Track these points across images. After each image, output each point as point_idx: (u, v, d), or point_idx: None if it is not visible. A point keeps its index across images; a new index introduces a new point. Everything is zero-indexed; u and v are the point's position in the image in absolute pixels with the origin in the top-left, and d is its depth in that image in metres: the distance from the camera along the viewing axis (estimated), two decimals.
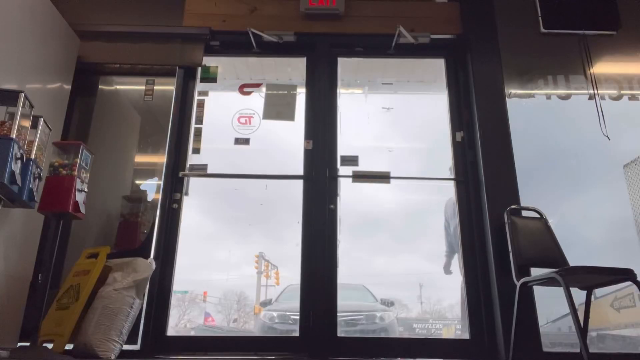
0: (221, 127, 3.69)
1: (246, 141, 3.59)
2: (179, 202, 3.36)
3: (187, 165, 3.46)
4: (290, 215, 3.36)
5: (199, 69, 3.68)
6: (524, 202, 3.10)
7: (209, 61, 3.76)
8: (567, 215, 3.34)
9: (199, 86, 3.71)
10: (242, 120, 3.64)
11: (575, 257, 2.79)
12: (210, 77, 3.75)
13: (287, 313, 4.43)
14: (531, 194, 3.13)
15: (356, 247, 3.54)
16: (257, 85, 3.78)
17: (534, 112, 3.60)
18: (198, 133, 3.56)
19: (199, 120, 3.60)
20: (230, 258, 3.60)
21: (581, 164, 3.49)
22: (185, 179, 3.43)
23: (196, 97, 3.66)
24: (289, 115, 3.62)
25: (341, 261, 3.19)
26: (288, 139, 3.62)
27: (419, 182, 3.52)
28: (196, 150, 3.53)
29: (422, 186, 3.58)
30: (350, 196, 3.43)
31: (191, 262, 3.58)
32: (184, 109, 3.57)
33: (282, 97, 3.71)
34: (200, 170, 3.50)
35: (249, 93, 3.77)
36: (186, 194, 3.49)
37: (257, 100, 3.73)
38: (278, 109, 3.66)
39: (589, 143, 3.48)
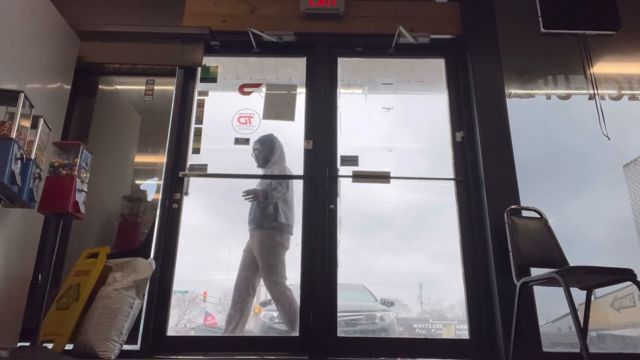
0: (221, 127, 3.68)
1: (246, 141, 3.59)
2: (179, 202, 3.36)
3: (187, 165, 3.46)
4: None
5: (199, 69, 3.68)
6: (524, 202, 3.10)
7: (209, 61, 3.76)
8: (567, 215, 3.34)
9: (199, 86, 3.71)
10: (242, 120, 3.64)
11: (575, 257, 2.79)
12: (210, 77, 3.75)
13: None
14: (531, 194, 3.13)
15: (358, 247, 3.54)
16: (257, 85, 3.78)
17: (534, 112, 3.60)
18: (198, 133, 3.56)
19: (199, 120, 3.60)
20: (231, 258, 3.60)
21: (581, 164, 3.49)
22: (185, 178, 3.43)
23: (196, 97, 3.66)
24: (289, 115, 3.62)
25: (343, 261, 3.19)
26: (288, 139, 3.62)
27: (425, 182, 3.52)
28: (196, 150, 3.53)
29: (427, 186, 3.58)
30: (354, 196, 3.42)
31: (191, 262, 3.58)
32: (184, 109, 3.57)
33: (282, 97, 3.71)
34: (200, 170, 3.50)
35: (249, 93, 3.77)
36: (186, 193, 3.49)
37: (257, 100, 3.72)
38: (278, 109, 3.66)
39: (589, 143, 3.48)
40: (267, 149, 3.62)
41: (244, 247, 3.50)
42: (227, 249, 3.63)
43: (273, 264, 3.38)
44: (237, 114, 3.67)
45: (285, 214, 3.53)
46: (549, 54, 3.64)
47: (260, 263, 3.36)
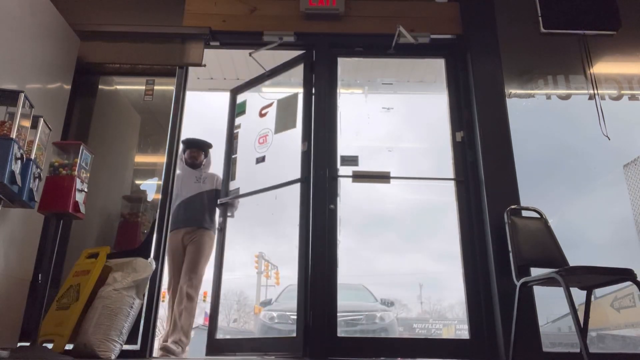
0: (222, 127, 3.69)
1: (263, 159, 3.67)
2: None
3: (229, 191, 3.64)
4: (292, 215, 3.35)
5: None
6: (524, 202, 3.10)
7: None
8: (567, 215, 3.34)
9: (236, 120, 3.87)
10: (260, 141, 3.73)
11: (575, 257, 2.79)
12: (242, 111, 3.90)
13: (287, 313, 4.43)
14: (531, 194, 3.13)
15: (359, 247, 3.54)
16: (270, 105, 3.83)
17: (534, 112, 3.60)
18: (234, 162, 3.76)
19: (234, 150, 3.79)
20: (231, 258, 3.60)
21: (581, 164, 3.49)
22: None
23: (234, 130, 3.85)
24: (292, 124, 3.62)
25: (343, 260, 3.18)
26: (292, 144, 3.61)
27: (425, 182, 3.51)
28: (232, 176, 3.72)
29: (427, 186, 3.57)
30: (355, 196, 3.42)
31: None
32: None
33: (287, 108, 3.72)
34: (234, 193, 3.67)
35: (265, 114, 3.82)
36: None
37: (269, 116, 3.79)
38: (285, 120, 3.68)
39: (589, 143, 3.48)
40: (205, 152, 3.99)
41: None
42: (227, 249, 3.64)
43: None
44: (257, 136, 3.74)
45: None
46: (549, 54, 3.64)
47: (204, 261, 3.60)
